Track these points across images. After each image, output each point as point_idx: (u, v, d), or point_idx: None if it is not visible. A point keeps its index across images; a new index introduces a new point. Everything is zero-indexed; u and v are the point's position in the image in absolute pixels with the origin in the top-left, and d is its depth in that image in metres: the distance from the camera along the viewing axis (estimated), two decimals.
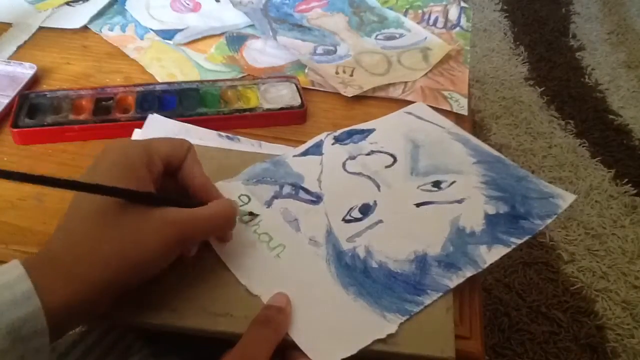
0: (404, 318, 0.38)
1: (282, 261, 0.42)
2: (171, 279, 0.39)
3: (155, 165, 0.37)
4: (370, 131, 0.53)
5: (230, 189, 0.46)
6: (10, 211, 0.45)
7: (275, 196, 0.46)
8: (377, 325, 0.38)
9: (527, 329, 1.10)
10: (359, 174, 0.49)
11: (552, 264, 1.21)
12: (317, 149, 0.51)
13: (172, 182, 0.39)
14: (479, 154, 0.51)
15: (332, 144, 0.52)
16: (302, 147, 0.52)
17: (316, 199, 0.46)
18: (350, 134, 0.53)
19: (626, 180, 1.42)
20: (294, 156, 0.50)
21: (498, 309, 1.13)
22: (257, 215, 0.44)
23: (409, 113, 0.56)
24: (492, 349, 1.07)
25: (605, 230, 1.29)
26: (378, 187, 0.47)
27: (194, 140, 0.51)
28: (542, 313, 1.13)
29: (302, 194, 0.47)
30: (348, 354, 0.36)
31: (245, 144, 0.52)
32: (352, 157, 0.50)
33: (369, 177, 0.48)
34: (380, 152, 0.51)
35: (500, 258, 0.42)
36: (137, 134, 0.51)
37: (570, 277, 1.19)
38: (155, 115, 0.52)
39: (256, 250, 0.42)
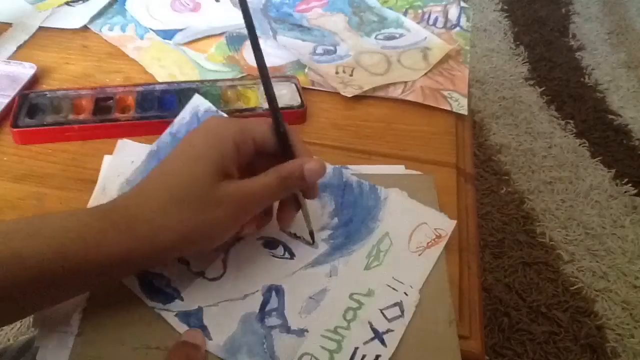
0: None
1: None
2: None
3: (246, 145, 0.39)
4: None
5: None
6: (10, 211, 0.45)
7: None
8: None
9: (527, 329, 1.10)
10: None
11: (552, 264, 1.22)
12: None
13: (263, 162, 0.40)
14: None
15: None
16: None
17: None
18: None
19: (626, 180, 1.42)
20: None
21: (498, 309, 1.13)
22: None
23: None
24: (492, 349, 1.07)
25: (605, 230, 1.30)
26: None
27: None
28: (542, 313, 1.13)
29: None
30: None
31: None
32: None
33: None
34: None
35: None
36: (107, 160, 0.49)
37: (570, 277, 1.20)
38: (126, 140, 0.51)
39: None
